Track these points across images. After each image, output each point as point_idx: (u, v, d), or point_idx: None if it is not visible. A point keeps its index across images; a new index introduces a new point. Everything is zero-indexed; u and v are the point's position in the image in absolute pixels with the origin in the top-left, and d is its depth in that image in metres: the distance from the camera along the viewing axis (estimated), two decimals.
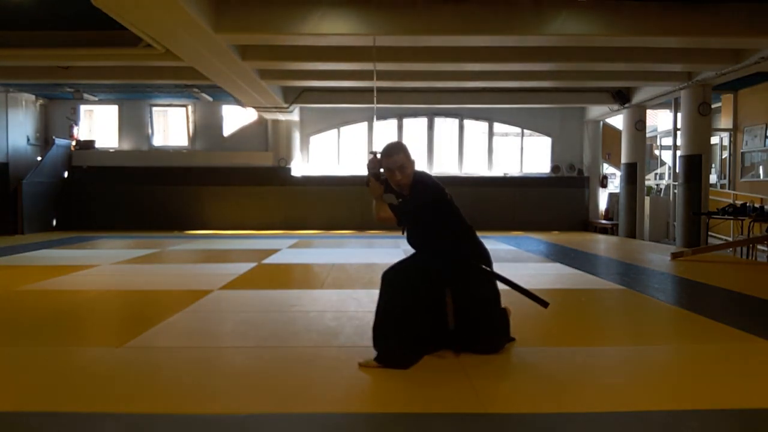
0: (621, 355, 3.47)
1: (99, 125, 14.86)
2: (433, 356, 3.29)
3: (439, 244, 3.34)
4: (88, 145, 14.03)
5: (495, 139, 14.45)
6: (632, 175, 12.35)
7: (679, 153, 10.98)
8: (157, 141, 14.60)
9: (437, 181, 3.35)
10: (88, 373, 3.05)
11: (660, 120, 15.36)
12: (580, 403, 2.62)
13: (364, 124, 14.25)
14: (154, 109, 14.49)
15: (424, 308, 3.20)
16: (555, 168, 14.32)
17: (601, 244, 10.58)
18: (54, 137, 13.47)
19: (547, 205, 14.02)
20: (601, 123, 14.39)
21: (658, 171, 15.33)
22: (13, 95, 12.82)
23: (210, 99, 13.65)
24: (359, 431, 2.40)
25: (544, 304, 3.32)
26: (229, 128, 14.44)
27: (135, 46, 8.39)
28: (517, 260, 7.75)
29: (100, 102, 14.09)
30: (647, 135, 12.96)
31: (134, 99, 14.08)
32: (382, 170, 3.30)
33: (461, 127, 14.33)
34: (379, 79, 10.46)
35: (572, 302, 5.09)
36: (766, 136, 11.32)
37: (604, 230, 13.45)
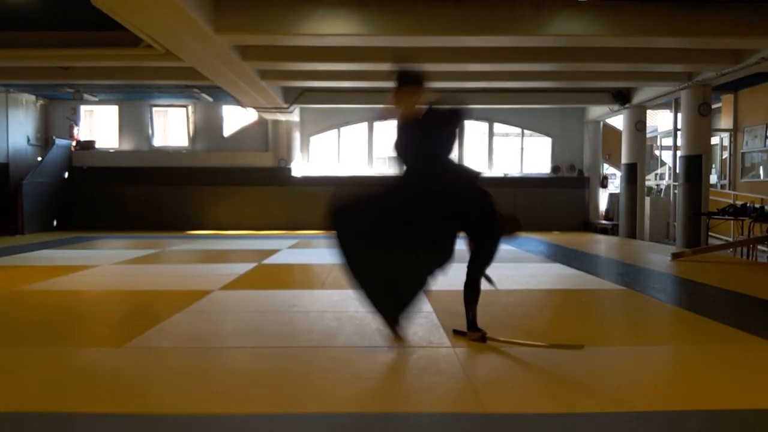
0: (621, 355, 3.46)
1: (99, 125, 14.87)
2: (433, 355, 3.30)
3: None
4: (89, 145, 14.04)
5: (495, 139, 14.45)
6: (632, 176, 12.35)
7: (679, 153, 10.98)
8: (158, 141, 14.60)
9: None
10: (88, 373, 3.05)
11: (660, 120, 15.36)
12: (580, 403, 2.62)
13: (365, 125, 14.24)
14: (154, 109, 14.49)
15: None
16: (555, 168, 14.32)
17: (602, 245, 10.57)
18: (54, 137, 13.47)
19: (547, 205, 14.01)
20: (602, 123, 14.39)
21: (659, 171, 15.34)
22: (13, 95, 12.82)
23: (210, 99, 13.65)
24: (359, 431, 2.40)
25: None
26: (229, 129, 14.45)
27: (135, 46, 8.39)
28: (517, 260, 7.75)
29: (100, 102, 14.09)
30: (647, 135, 12.96)
31: (134, 99, 14.08)
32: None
33: (461, 128, 14.30)
34: (380, 80, 10.47)
35: (572, 302, 5.09)
36: (766, 137, 11.32)
37: (604, 230, 13.44)
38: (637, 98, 12.01)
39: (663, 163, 15.30)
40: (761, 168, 11.66)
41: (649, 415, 2.51)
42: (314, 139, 14.48)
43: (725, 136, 12.64)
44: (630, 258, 8.32)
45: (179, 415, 2.48)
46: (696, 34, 7.42)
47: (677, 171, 11.27)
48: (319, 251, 9.11)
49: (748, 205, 8.76)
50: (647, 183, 13.05)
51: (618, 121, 13.90)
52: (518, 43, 8.11)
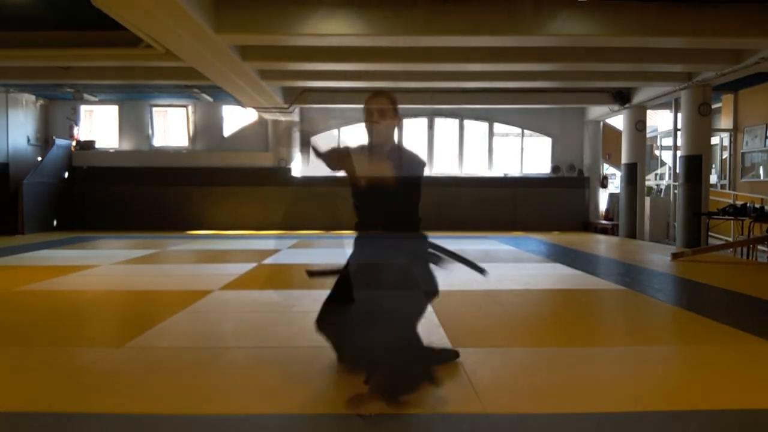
0: (621, 355, 3.46)
1: (99, 125, 14.87)
2: None
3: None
4: (89, 145, 14.04)
5: (495, 139, 14.45)
6: (632, 176, 12.35)
7: (679, 153, 10.98)
8: (158, 141, 14.60)
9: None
10: (88, 373, 3.05)
11: (660, 120, 15.36)
12: (580, 403, 2.62)
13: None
14: (154, 109, 14.49)
15: None
16: (555, 168, 14.32)
17: (602, 245, 10.58)
18: (54, 137, 13.47)
19: (547, 205, 14.02)
20: (602, 123, 14.39)
21: (659, 171, 15.33)
22: (13, 95, 12.82)
23: (210, 99, 13.65)
24: (359, 431, 2.40)
25: (483, 272, 2.91)
26: (229, 128, 14.45)
27: (135, 46, 8.38)
28: (517, 260, 7.75)
29: (100, 102, 14.09)
30: (647, 135, 12.95)
31: (134, 99, 14.09)
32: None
33: (461, 127, 14.33)
34: (380, 80, 10.48)
35: (572, 302, 5.09)
36: (766, 137, 11.32)
37: (604, 230, 13.44)
38: (637, 98, 12.01)
39: (663, 163, 15.30)
40: (761, 168, 11.66)
41: (649, 415, 2.50)
42: (314, 139, 14.47)
43: (725, 136, 12.64)
44: (630, 258, 8.32)
45: (179, 415, 2.48)
46: (696, 34, 7.42)
47: (677, 171, 11.27)
48: (319, 251, 9.11)
49: (748, 205, 8.76)
50: (647, 183, 13.04)
51: (618, 121, 13.89)
52: (518, 43, 8.11)
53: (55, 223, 13.13)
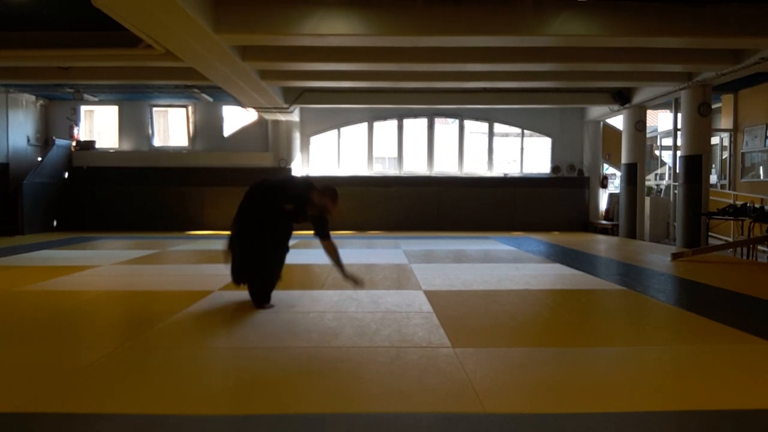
0: (621, 355, 3.46)
1: (99, 126, 14.87)
2: (433, 355, 3.30)
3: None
4: (89, 145, 14.04)
5: (495, 139, 14.46)
6: (632, 176, 12.35)
7: (679, 153, 10.99)
8: (158, 141, 14.61)
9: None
10: (88, 373, 3.06)
11: (660, 120, 15.37)
12: (580, 403, 2.62)
13: (365, 125, 14.25)
14: (155, 109, 14.49)
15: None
16: (555, 168, 14.33)
17: (602, 245, 10.58)
18: (54, 138, 13.48)
19: (547, 205, 14.03)
20: (602, 123, 14.39)
21: (659, 171, 15.34)
22: (13, 96, 12.82)
23: (210, 99, 13.66)
24: (359, 431, 2.40)
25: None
26: (229, 129, 14.45)
27: (135, 46, 8.38)
28: (518, 261, 7.75)
29: (101, 102, 14.10)
30: (647, 135, 12.96)
31: (134, 100, 14.09)
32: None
33: (461, 128, 14.33)
34: (380, 80, 10.48)
35: (572, 303, 5.09)
36: (766, 137, 11.32)
37: (604, 230, 13.45)
38: (637, 98, 12.01)
39: (663, 163, 15.31)
40: (761, 168, 11.66)
41: (649, 415, 2.51)
42: (314, 140, 14.49)
43: (725, 136, 12.64)
44: (630, 258, 8.32)
45: (179, 415, 2.49)
46: (696, 34, 7.42)
47: (677, 171, 11.27)
48: (319, 252, 9.09)
49: (748, 205, 8.76)
50: (647, 183, 13.05)
51: (618, 121, 13.90)
52: (518, 43, 8.10)
53: (55, 223, 13.13)
